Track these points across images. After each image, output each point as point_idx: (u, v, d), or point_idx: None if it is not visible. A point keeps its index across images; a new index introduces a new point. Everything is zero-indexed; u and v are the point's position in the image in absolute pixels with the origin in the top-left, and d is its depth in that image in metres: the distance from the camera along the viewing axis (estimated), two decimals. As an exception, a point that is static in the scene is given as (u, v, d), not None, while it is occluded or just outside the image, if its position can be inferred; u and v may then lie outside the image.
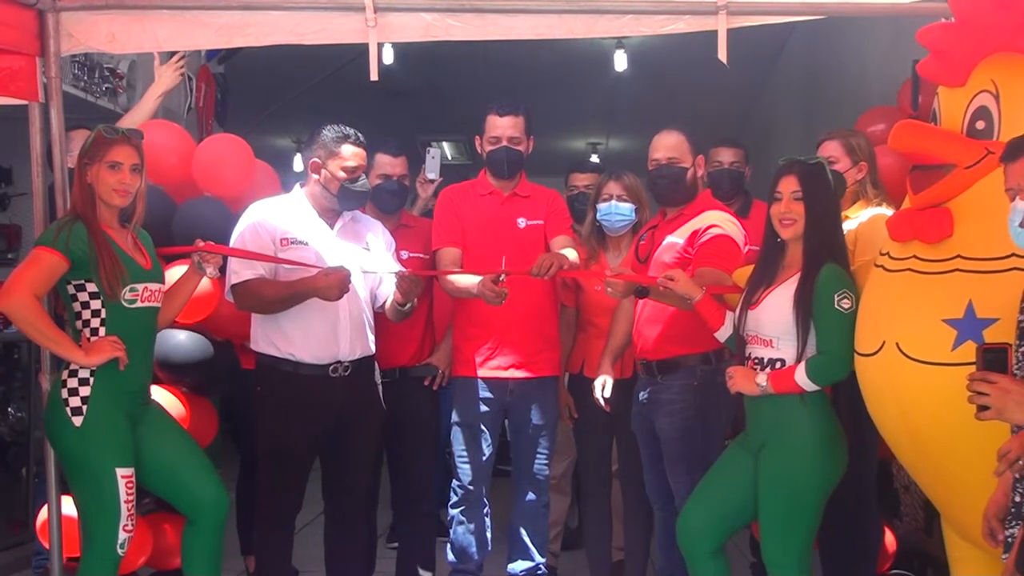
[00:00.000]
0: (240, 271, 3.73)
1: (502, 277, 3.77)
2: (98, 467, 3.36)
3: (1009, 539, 2.47)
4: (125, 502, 3.36)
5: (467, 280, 4.00)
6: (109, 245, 3.34)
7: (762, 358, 3.34)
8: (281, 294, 3.72)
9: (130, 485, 3.37)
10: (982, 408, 2.36)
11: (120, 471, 3.36)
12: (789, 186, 3.32)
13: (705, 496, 3.50)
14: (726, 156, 4.72)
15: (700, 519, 3.47)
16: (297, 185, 3.96)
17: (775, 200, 3.36)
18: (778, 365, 3.31)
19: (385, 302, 3.94)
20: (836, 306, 3.22)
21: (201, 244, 3.56)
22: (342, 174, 3.80)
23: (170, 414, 3.71)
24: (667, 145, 3.93)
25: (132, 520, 3.39)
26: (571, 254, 4.02)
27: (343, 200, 3.85)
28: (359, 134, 3.87)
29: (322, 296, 3.64)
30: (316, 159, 3.83)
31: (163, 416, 3.63)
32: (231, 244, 3.78)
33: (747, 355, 3.40)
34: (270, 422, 3.81)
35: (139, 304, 3.41)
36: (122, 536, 3.38)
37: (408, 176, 4.40)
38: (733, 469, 3.45)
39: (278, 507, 3.86)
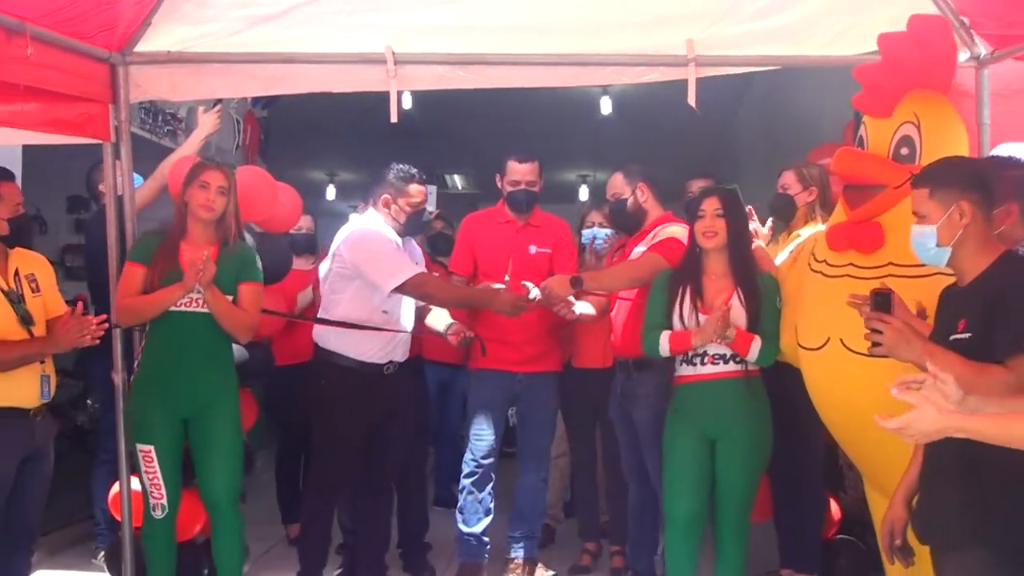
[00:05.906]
0: (398, 272, 3.74)
1: (507, 284, 3.90)
2: (130, 445, 3.50)
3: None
4: (146, 473, 3.41)
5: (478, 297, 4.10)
6: (166, 255, 3.42)
7: (724, 355, 3.48)
8: (455, 296, 4.02)
9: (149, 458, 3.39)
10: (876, 344, 2.36)
11: (140, 446, 3.42)
12: (712, 205, 3.51)
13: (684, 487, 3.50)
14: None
15: (688, 509, 3.47)
16: (371, 210, 3.97)
17: (699, 218, 3.52)
18: (736, 359, 3.47)
19: None
20: (775, 306, 3.48)
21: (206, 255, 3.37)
22: (409, 208, 3.92)
23: (230, 426, 3.53)
24: (609, 184, 4.15)
25: (158, 489, 3.40)
26: (583, 307, 4.09)
27: (409, 228, 3.97)
28: (422, 173, 3.96)
29: (495, 310, 3.87)
30: (387, 195, 3.91)
31: (219, 430, 3.48)
32: (370, 260, 3.77)
33: (702, 352, 3.48)
34: (333, 408, 3.84)
35: (183, 308, 3.40)
36: (152, 502, 3.41)
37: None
38: (692, 458, 3.48)
39: (332, 479, 3.91)
